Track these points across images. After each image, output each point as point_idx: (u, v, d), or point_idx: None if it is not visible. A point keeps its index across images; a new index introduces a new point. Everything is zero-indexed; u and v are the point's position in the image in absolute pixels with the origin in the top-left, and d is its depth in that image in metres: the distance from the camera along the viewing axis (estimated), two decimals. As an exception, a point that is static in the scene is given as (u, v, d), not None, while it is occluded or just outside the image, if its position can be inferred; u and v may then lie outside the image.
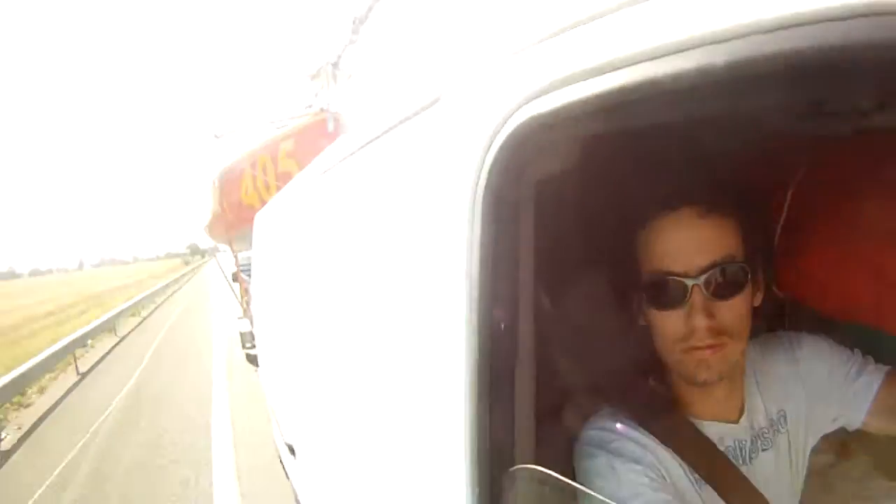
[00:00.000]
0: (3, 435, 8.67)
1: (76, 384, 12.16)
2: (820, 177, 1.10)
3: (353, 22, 10.48)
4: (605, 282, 1.12)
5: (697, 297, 0.95)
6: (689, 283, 0.95)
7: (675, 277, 0.97)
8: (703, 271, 0.95)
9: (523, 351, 0.81)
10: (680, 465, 1.03)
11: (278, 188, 9.98)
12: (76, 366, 13.34)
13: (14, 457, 7.84)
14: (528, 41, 0.73)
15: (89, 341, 16.45)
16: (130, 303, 26.04)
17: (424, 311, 0.98)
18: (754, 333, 1.05)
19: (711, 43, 0.50)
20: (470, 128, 0.81)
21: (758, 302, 1.03)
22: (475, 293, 0.80)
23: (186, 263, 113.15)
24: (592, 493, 0.78)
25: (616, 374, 1.12)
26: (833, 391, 1.13)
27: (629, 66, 0.57)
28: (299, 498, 3.08)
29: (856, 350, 1.15)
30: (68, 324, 23.61)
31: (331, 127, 10.21)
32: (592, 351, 1.13)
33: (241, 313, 13.41)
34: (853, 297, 1.13)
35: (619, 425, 1.03)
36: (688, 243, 0.97)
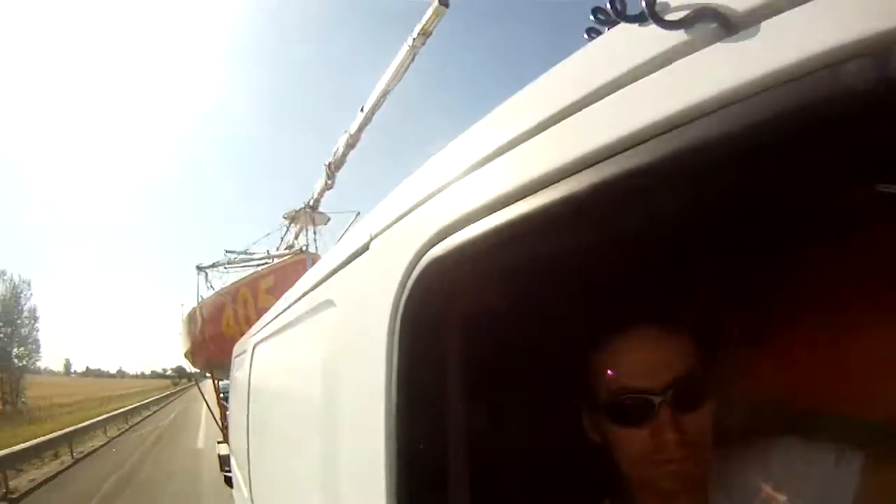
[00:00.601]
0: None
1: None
2: (771, 281, 1.10)
3: (329, 167, 10.83)
4: (547, 406, 1.08)
5: (664, 413, 0.90)
6: (656, 399, 0.90)
7: (640, 395, 0.91)
8: (669, 386, 0.90)
9: (453, 484, 0.75)
10: None
11: (258, 323, 9.95)
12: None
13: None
14: (425, 192, 0.77)
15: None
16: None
17: (356, 443, 0.94)
18: (722, 443, 0.99)
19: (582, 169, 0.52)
20: (388, 270, 0.82)
21: (719, 410, 0.97)
22: (393, 425, 0.78)
23: (175, 384, 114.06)
24: None
25: (569, 498, 1.07)
26: (810, 488, 1.02)
27: (514, 202, 0.59)
28: None
29: (828, 440, 1.04)
30: (92, 411, 30.86)
31: (309, 267, 9.98)
32: (542, 479, 1.08)
33: (221, 437, 13.04)
34: (819, 388, 1.12)
35: None
36: (650, 359, 0.92)
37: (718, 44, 0.44)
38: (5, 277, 48.84)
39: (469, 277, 0.72)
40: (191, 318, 15.37)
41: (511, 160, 0.64)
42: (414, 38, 9.43)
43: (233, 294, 11.76)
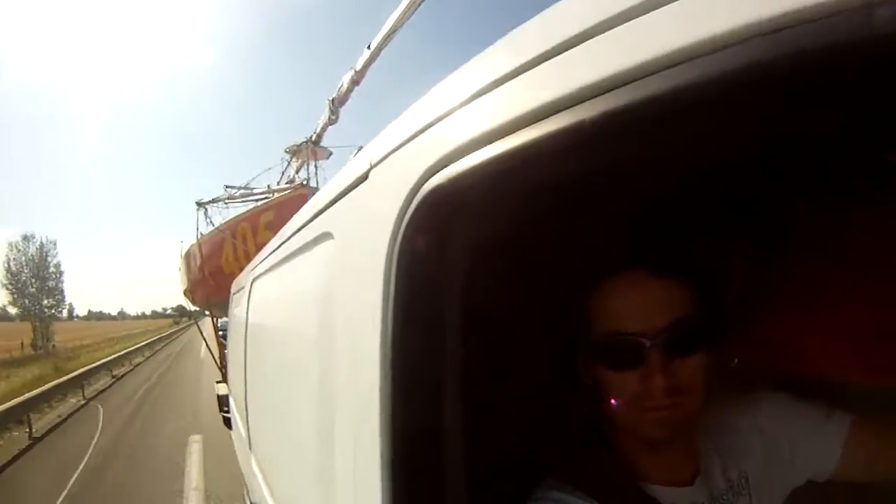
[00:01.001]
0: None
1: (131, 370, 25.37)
2: (775, 235, 1.08)
3: (332, 103, 10.67)
4: (542, 345, 1.06)
5: (655, 357, 0.89)
6: (647, 342, 0.89)
7: (632, 337, 0.90)
8: (661, 331, 0.89)
9: (450, 419, 0.74)
10: None
11: (258, 258, 10.01)
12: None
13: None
14: (427, 120, 0.75)
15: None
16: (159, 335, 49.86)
17: (352, 380, 0.93)
18: (712, 395, 0.97)
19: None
20: (388, 200, 0.80)
21: (712, 361, 0.95)
22: (388, 356, 0.77)
23: (176, 323, 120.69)
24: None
25: (559, 441, 1.05)
26: (798, 445, 1.05)
27: (515, 131, 0.58)
28: None
29: (819, 402, 1.07)
30: (111, 349, 37.41)
31: None
32: (532, 418, 1.07)
33: (220, 377, 13.24)
34: (811, 350, 1.11)
35: (563, 494, 0.95)
36: (644, 303, 0.91)
37: None
38: (34, 240, 59.49)
39: (469, 207, 0.70)
40: (190, 254, 15.46)
41: (514, 88, 0.62)
42: None
43: (232, 229, 11.76)
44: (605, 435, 1.02)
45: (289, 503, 1.75)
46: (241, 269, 11.25)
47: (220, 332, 14.66)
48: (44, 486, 7.78)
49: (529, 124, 0.56)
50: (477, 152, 0.62)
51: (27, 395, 13.59)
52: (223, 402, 11.90)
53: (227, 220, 13.01)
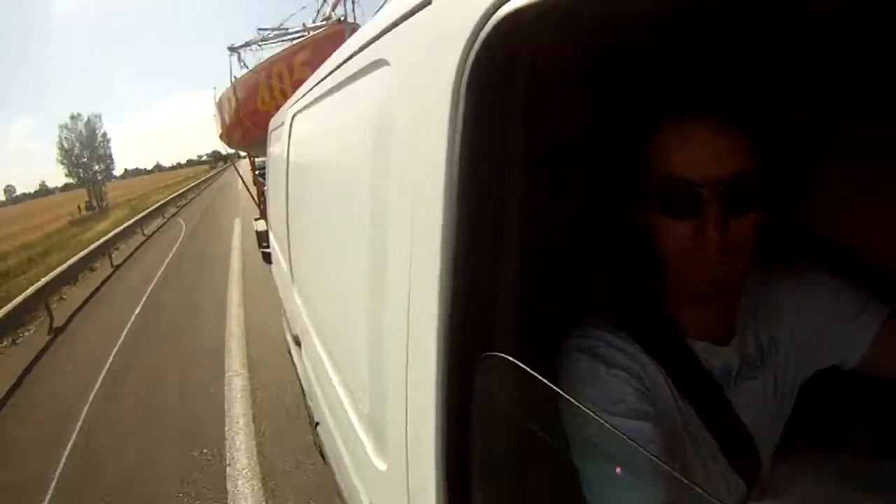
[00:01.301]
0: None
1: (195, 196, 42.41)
2: (851, 113, 1.05)
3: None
4: (602, 181, 1.07)
5: (712, 210, 0.88)
6: (705, 193, 0.89)
7: (692, 187, 0.90)
8: (721, 183, 0.88)
9: (508, 240, 0.78)
10: (665, 379, 0.99)
11: (296, 95, 9.93)
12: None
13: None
14: None
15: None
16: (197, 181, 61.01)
17: (409, 207, 0.95)
18: (760, 258, 0.98)
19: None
20: (455, 26, 0.78)
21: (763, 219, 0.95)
22: (454, 193, 0.78)
23: (212, 168, 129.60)
24: (563, 394, 0.72)
25: (607, 278, 1.09)
26: (832, 326, 1.06)
27: None
28: (303, 382, 3.18)
29: (863, 288, 1.06)
30: (160, 195, 48.51)
31: (348, 37, 9.71)
32: (583, 250, 1.10)
33: (258, 214, 13.61)
34: (871, 236, 1.12)
35: (605, 333, 0.99)
36: (706, 153, 0.89)
37: None
38: (81, 118, 70.13)
39: (541, 37, 0.69)
40: (224, 98, 15.43)
41: None
42: None
43: (267, 70, 11.61)
44: (653, 282, 1.04)
45: (333, 334, 1.85)
46: (278, 108, 11.22)
47: (258, 171, 14.93)
48: (168, 242, 18.70)
49: None
50: None
51: (137, 217, 26.18)
52: (262, 237, 12.32)
53: (261, 62, 12.87)
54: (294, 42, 12.07)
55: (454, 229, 0.78)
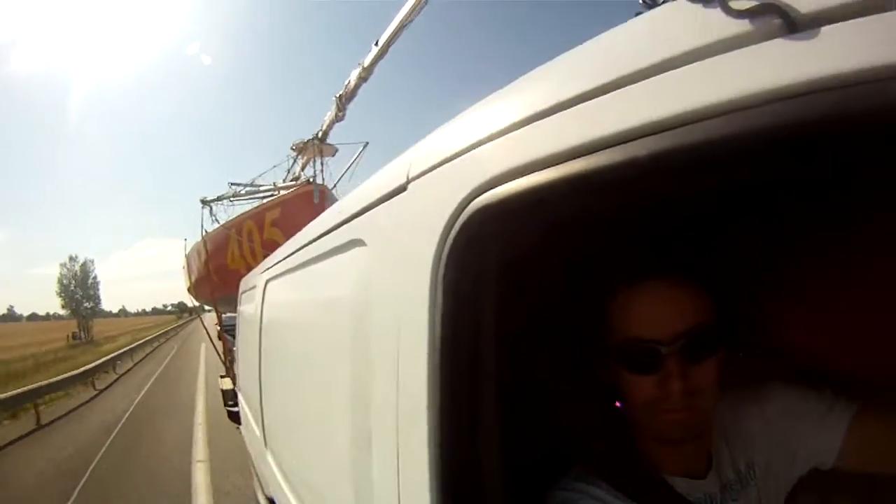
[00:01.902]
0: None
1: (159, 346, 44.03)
2: (788, 243, 1.15)
3: (339, 99, 10.72)
4: (568, 348, 1.13)
5: (672, 363, 0.94)
6: (664, 349, 0.94)
7: (650, 344, 0.95)
8: (678, 338, 0.93)
9: (487, 415, 0.81)
10: None
11: (264, 255, 10.03)
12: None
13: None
14: (471, 140, 0.81)
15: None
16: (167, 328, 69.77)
17: (394, 375, 0.98)
18: (723, 387, 1.02)
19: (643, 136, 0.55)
20: (430, 214, 0.86)
21: (723, 362, 1.00)
22: (437, 360, 0.82)
23: (178, 318, 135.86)
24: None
25: (585, 434, 1.11)
26: (803, 433, 1.09)
27: (564, 161, 0.63)
28: None
29: (826, 390, 1.11)
30: (135, 335, 53.72)
31: (316, 199, 10.35)
32: (560, 413, 1.13)
33: (223, 371, 13.28)
34: (816, 344, 1.19)
35: (587, 485, 1.01)
36: (662, 311, 0.96)
37: (779, 39, 0.47)
38: (78, 260, 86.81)
39: (510, 225, 0.76)
40: (194, 252, 15.60)
41: (557, 123, 0.67)
42: None
43: (238, 227, 11.86)
44: (625, 429, 1.08)
45: (315, 499, 1.81)
46: (248, 266, 11.27)
47: (225, 327, 14.74)
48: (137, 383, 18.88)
49: (570, 158, 0.62)
50: (520, 179, 0.69)
51: (109, 356, 25.17)
52: (228, 395, 11.95)
53: (232, 217, 13.10)
54: (265, 200, 12.38)
55: (439, 404, 0.82)
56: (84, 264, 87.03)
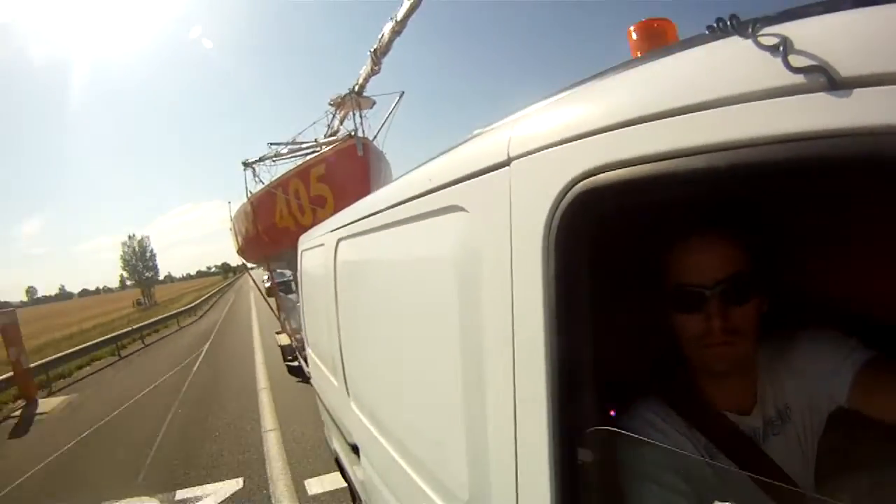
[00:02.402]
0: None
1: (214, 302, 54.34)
2: (819, 204, 1.34)
3: (374, 53, 10.66)
4: (643, 294, 1.31)
5: (714, 304, 1.15)
6: (707, 292, 1.15)
7: (696, 288, 1.16)
8: (719, 283, 1.14)
9: (587, 348, 1.00)
10: (705, 446, 1.21)
11: (313, 211, 10.23)
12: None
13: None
14: (582, 130, 0.96)
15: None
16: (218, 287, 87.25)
17: (508, 322, 1.16)
18: (767, 334, 1.24)
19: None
20: (537, 190, 1.03)
21: (765, 308, 1.20)
22: (552, 310, 1.01)
23: (225, 278, 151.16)
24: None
25: (653, 368, 1.34)
26: (825, 376, 1.23)
27: (658, 161, 0.80)
28: (359, 490, 3.26)
29: (853, 339, 1.24)
30: (191, 296, 64.63)
31: (360, 151, 10.42)
32: (634, 350, 1.35)
33: (278, 328, 13.57)
34: (851, 293, 1.39)
35: (653, 416, 1.22)
36: (706, 261, 1.16)
37: (822, 93, 0.62)
38: (136, 238, 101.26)
39: (609, 207, 0.94)
40: (241, 213, 15.64)
41: (653, 128, 0.82)
42: None
43: (283, 186, 11.84)
44: (684, 367, 1.29)
45: (411, 435, 2.00)
46: (296, 223, 11.38)
47: (278, 284, 14.93)
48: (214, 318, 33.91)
49: (662, 160, 0.79)
50: (620, 170, 0.86)
51: (190, 305, 42.37)
52: (287, 351, 12.25)
53: (275, 176, 13.13)
54: (308, 157, 12.33)
55: (554, 332, 1.02)
56: (141, 240, 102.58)
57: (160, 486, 6.89)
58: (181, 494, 6.61)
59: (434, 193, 1.55)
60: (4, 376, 14.39)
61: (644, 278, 1.30)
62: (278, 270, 16.42)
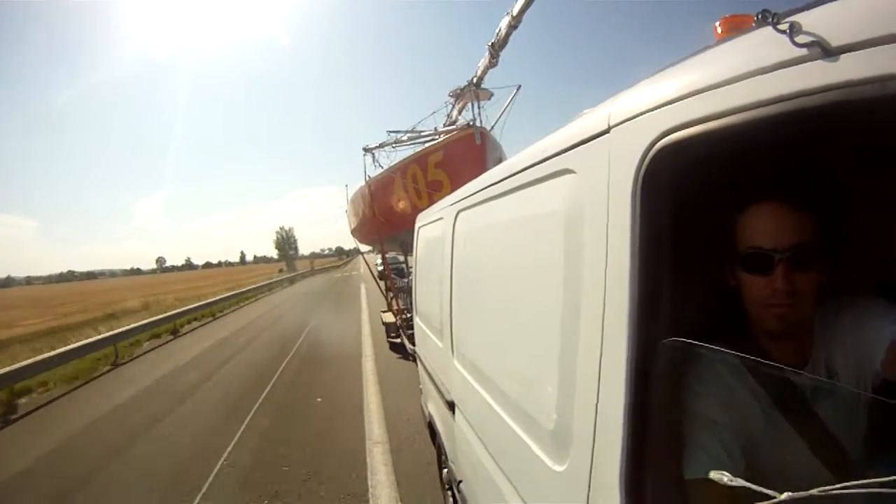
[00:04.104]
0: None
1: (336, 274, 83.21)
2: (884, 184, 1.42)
3: (492, 47, 10.81)
4: (715, 254, 1.43)
5: (781, 268, 1.23)
6: (776, 256, 1.24)
7: (766, 252, 1.25)
8: (787, 249, 1.23)
9: (666, 275, 1.17)
10: (763, 395, 1.26)
11: (430, 195, 10.53)
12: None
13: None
14: (664, 100, 1.15)
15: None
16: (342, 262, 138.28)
17: (602, 268, 1.32)
18: (823, 301, 1.32)
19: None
20: (631, 151, 1.22)
21: (824, 278, 1.27)
22: (638, 257, 1.19)
23: (341, 259, 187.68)
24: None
25: (718, 321, 1.41)
26: (871, 341, 1.28)
27: (735, 113, 0.98)
28: (447, 445, 3.54)
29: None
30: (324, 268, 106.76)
31: (478, 140, 10.68)
32: (701, 304, 1.44)
33: (385, 307, 14.04)
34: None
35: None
36: (777, 227, 1.25)
37: (820, 61, 0.85)
38: (286, 228, 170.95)
39: (684, 162, 1.11)
40: (358, 196, 16.28)
41: (721, 93, 1.01)
42: None
43: (402, 170, 12.44)
44: (746, 324, 1.39)
45: (506, 374, 2.21)
46: (413, 206, 11.66)
47: (392, 267, 15.20)
48: (338, 277, 66.08)
49: (730, 115, 0.98)
50: (693, 127, 1.05)
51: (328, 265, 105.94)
52: (390, 329, 12.66)
53: (394, 162, 13.70)
54: (427, 144, 12.57)
55: (637, 262, 1.19)
56: (289, 230, 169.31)
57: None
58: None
59: (548, 161, 1.75)
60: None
61: (714, 237, 1.41)
62: (391, 254, 16.83)
